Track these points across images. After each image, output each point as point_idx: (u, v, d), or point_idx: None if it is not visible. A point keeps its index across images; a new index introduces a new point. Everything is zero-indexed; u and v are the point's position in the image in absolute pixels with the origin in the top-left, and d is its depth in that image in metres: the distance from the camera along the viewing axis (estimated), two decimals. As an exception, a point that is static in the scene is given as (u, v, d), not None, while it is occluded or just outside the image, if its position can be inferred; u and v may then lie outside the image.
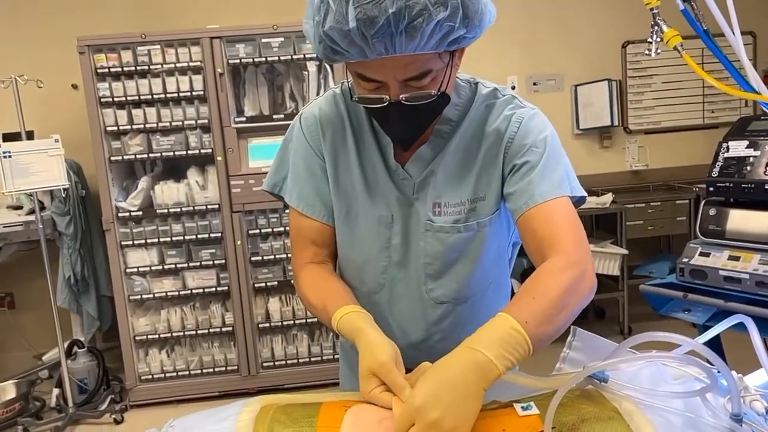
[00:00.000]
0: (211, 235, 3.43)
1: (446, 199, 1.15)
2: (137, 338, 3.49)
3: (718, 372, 0.80)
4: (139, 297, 3.48)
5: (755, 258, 1.93)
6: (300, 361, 3.54)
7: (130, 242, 3.41)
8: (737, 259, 1.98)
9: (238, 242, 3.40)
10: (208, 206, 3.41)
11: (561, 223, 1.04)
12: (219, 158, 3.35)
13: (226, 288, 3.49)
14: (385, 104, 1.00)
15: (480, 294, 1.23)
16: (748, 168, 2.00)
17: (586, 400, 0.86)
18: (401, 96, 0.99)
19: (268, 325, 3.53)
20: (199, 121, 3.36)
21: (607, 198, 3.83)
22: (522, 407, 0.86)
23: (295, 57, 3.33)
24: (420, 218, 1.16)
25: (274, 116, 3.38)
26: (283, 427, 0.82)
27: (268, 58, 3.32)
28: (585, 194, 1.15)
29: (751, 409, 0.85)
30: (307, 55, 3.34)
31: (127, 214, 3.40)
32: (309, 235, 1.22)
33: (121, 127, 3.34)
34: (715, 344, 2.12)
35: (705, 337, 0.88)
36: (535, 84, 4.32)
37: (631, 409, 0.81)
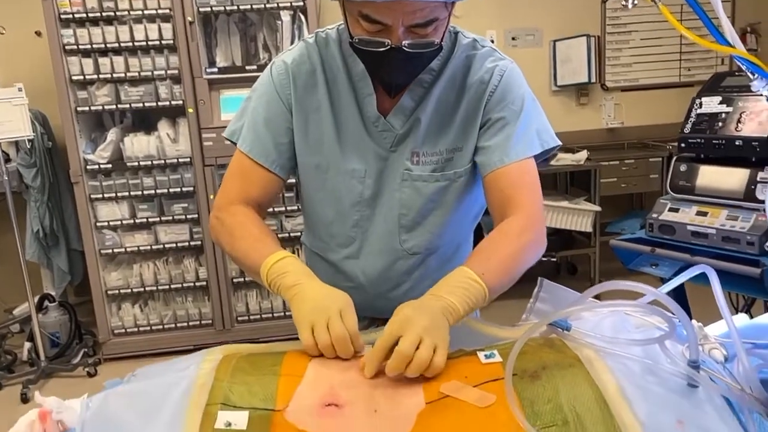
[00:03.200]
0: (183, 189, 3.38)
1: (425, 149, 1.15)
2: (109, 292, 3.46)
3: (678, 321, 0.81)
4: (110, 251, 3.43)
5: (723, 213, 1.96)
6: (275, 315, 3.55)
7: (100, 196, 3.35)
8: (705, 214, 2.00)
9: (211, 196, 3.36)
10: (180, 159, 3.34)
11: (526, 185, 1.11)
12: (190, 110, 3.27)
13: (199, 243, 3.46)
14: (386, 48, 0.99)
15: (450, 246, 1.24)
16: (720, 124, 2.01)
17: (549, 349, 0.87)
18: (404, 42, 0.99)
19: (242, 279, 3.52)
20: (169, 72, 3.26)
21: (582, 155, 3.84)
22: (485, 355, 0.86)
23: (268, 6, 3.23)
24: (397, 169, 1.16)
25: (247, 67, 3.29)
26: (245, 374, 0.81)
27: (240, 7, 3.22)
28: (559, 143, 1.19)
29: (710, 357, 0.86)
30: (280, 4, 3.24)
31: (96, 166, 3.32)
32: (253, 180, 1.18)
33: (87, 77, 3.24)
34: (680, 297, 2.17)
35: (668, 286, 0.88)
36: (513, 39, 4.26)
37: (592, 356, 0.82)
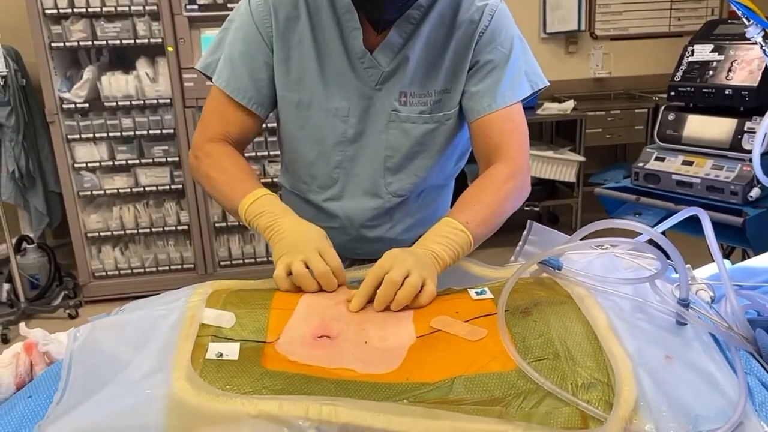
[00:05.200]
0: (164, 131, 3.30)
1: (414, 89, 1.12)
2: (89, 235, 3.42)
3: (670, 261, 0.81)
4: (89, 193, 3.36)
5: (708, 163, 1.97)
6: (258, 260, 3.54)
7: (77, 136, 3.25)
8: (690, 164, 2.02)
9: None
10: (160, 100, 3.25)
11: (513, 131, 1.11)
12: (170, 49, 3.16)
13: (180, 186, 3.41)
14: None
15: (433, 188, 1.24)
16: (711, 73, 1.99)
17: (540, 287, 0.87)
18: None
19: (224, 224, 3.49)
20: (148, 7, 3.13)
21: (569, 105, 3.82)
22: (476, 292, 0.86)
23: (251, -60, 3.09)
24: (383, 109, 1.13)
25: (229, 5, 3.17)
26: (235, 308, 0.80)
27: (222, -61, 3.08)
28: (547, 83, 1.18)
29: (698, 297, 0.87)
30: (264, -62, 3.09)
31: (73, 105, 3.21)
32: (231, 118, 1.15)
33: (61, 11, 3.09)
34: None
35: (661, 227, 0.88)
36: (503, -17, 4.15)
37: (583, 294, 0.82)
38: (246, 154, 2.88)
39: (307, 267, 0.90)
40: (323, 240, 0.96)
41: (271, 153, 3.38)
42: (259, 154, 3.36)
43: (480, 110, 1.10)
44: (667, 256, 0.78)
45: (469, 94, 1.12)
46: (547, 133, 4.26)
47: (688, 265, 0.93)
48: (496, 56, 1.10)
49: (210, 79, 1.17)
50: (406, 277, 0.85)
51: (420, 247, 0.95)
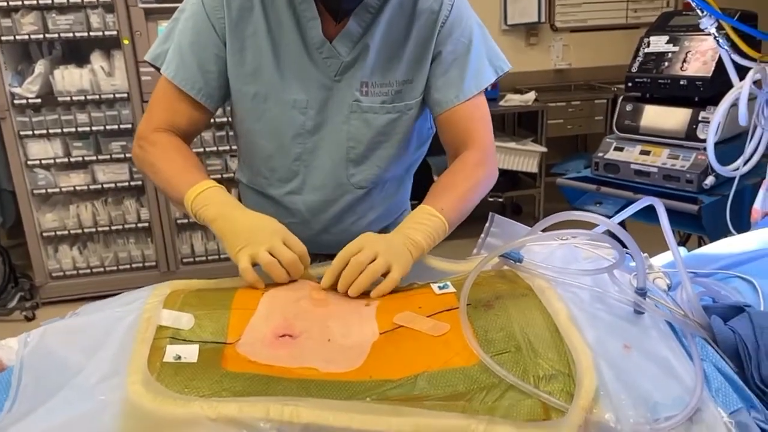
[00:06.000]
0: (121, 126, 3.21)
1: (375, 79, 1.12)
2: (45, 234, 3.32)
3: (627, 250, 0.82)
4: (44, 191, 3.26)
5: (665, 152, 2.01)
6: (221, 257, 3.49)
7: (30, 132, 3.14)
8: (648, 153, 2.06)
9: (152, 134, 3.21)
10: (116, 95, 3.17)
11: (480, 121, 1.15)
12: (126, 41, 3.07)
13: (140, 183, 3.33)
14: None
15: (395, 178, 1.24)
16: (666, 64, 2.03)
17: (501, 280, 0.88)
18: None
19: (186, 221, 3.43)
20: (101, -1, 3.05)
21: (530, 96, 3.85)
22: (439, 287, 0.87)
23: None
24: (344, 100, 1.11)
25: (186, -4, 3.10)
26: (194, 309, 0.79)
27: (178, -71, 3.00)
28: (510, 66, 1.20)
29: (655, 285, 0.89)
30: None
31: (24, 101, 3.10)
32: (178, 109, 1.12)
33: (11, 3, 2.98)
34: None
35: (618, 218, 0.90)
36: (464, -25, 4.16)
37: (543, 286, 0.83)
38: (207, 149, 2.86)
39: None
40: (283, 228, 0.96)
41: (233, 147, 3.33)
42: (220, 148, 3.30)
43: (447, 102, 1.12)
44: (624, 246, 0.79)
45: (435, 87, 1.12)
46: (510, 125, 4.29)
47: (645, 254, 0.95)
48: (458, 47, 1.11)
49: (159, 70, 1.14)
50: (373, 261, 0.87)
51: (398, 234, 0.97)
